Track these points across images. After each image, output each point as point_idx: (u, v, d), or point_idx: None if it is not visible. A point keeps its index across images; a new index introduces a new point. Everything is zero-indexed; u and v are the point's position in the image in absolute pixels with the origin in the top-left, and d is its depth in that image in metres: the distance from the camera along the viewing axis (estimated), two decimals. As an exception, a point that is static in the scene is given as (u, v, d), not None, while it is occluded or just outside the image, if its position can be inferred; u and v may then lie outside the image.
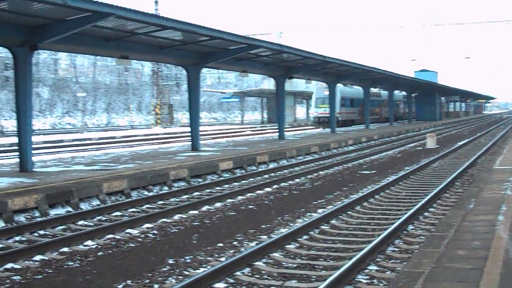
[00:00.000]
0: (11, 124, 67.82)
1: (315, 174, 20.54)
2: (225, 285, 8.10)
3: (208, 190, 17.10)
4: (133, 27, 18.98)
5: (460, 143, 34.09)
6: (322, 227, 11.62)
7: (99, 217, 13.23)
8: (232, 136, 47.43)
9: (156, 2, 72.57)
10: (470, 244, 8.06)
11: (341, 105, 59.85)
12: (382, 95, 70.14)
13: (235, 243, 10.47)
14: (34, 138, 19.56)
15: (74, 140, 44.71)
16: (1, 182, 15.37)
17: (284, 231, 11.14)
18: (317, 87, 61.38)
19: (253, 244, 10.31)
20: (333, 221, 12.14)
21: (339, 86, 53.17)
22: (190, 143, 27.21)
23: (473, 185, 14.64)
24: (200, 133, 27.77)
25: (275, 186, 17.63)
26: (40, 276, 8.61)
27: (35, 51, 17.92)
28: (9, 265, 9.16)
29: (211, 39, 22.24)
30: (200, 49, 24.64)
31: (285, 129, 37.59)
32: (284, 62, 32.43)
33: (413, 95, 73.58)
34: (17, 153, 18.87)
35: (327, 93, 53.44)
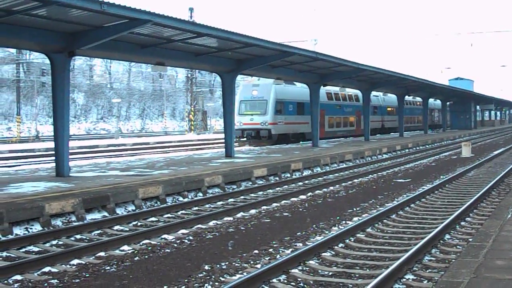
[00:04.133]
0: (46, 129, 68.75)
1: (350, 182, 20.45)
2: (261, 292, 8.09)
3: (242, 197, 17.13)
4: (169, 34, 19.12)
5: (496, 152, 33.74)
6: (358, 235, 11.56)
7: (135, 222, 13.33)
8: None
9: (191, 10, 72.95)
10: (509, 254, 7.97)
11: (276, 112, 40.16)
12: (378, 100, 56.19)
13: (270, 250, 10.46)
14: (70, 143, 19.75)
15: (109, 145, 45.19)
16: (38, 187, 15.58)
17: (319, 238, 11.11)
18: (242, 85, 42.58)
19: (288, 251, 10.29)
20: (368, 229, 12.07)
21: (274, 85, 38.81)
22: (224, 149, 27.29)
23: (510, 195, 14.48)
24: (234, 139, 27.70)
25: (309, 194, 17.58)
26: (77, 280, 8.68)
27: (72, 57, 18.17)
28: (46, 269, 9.26)
29: (246, 46, 22.33)
30: (235, 56, 24.73)
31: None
32: (318, 70, 32.43)
33: (447, 103, 72.83)
34: (53, 158, 19.10)
35: (255, 93, 40.58)
